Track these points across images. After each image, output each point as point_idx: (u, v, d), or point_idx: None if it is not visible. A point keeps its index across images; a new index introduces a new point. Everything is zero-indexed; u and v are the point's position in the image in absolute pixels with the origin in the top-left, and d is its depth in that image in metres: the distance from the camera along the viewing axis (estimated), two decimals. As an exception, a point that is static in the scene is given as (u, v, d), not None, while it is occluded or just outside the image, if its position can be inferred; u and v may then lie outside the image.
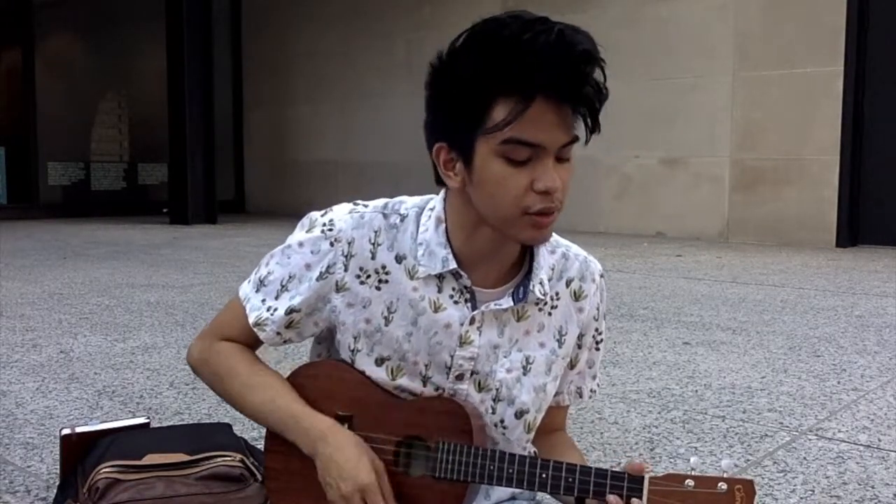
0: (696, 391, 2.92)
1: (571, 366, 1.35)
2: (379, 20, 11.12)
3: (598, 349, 1.38)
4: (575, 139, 1.12)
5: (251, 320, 1.28)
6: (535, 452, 1.34)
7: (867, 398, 2.83)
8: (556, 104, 1.08)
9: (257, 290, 1.29)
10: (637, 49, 8.71)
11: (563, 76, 1.06)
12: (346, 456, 1.18)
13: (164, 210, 10.96)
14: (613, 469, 1.13)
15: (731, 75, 8.42)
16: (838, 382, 3.03)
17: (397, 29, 10.88)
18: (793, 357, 3.42)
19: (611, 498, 1.11)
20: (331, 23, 11.66)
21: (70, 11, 12.24)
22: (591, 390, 1.40)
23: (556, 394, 1.35)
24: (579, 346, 1.34)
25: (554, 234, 1.31)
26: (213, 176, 10.80)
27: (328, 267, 1.24)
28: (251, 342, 1.31)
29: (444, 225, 1.22)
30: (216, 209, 10.84)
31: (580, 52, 1.06)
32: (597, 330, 1.35)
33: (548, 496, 1.22)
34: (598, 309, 1.34)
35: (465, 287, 1.23)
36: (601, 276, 1.35)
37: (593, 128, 1.12)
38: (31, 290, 5.03)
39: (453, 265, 1.21)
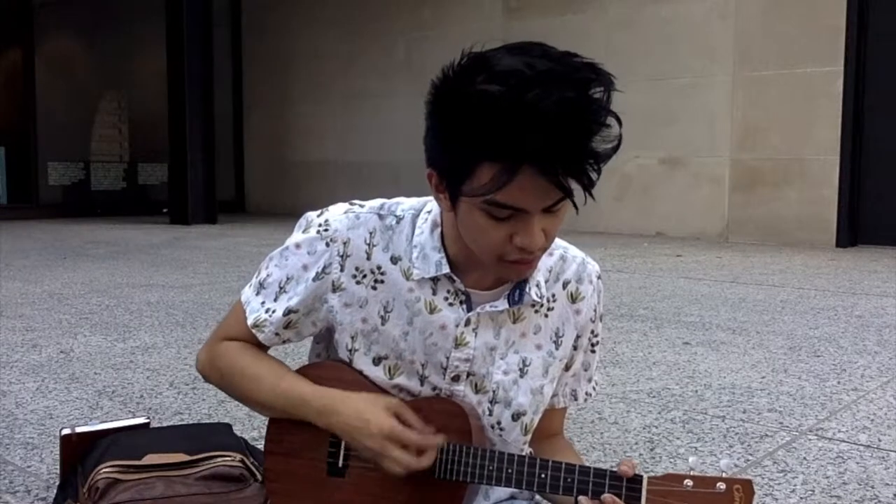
0: (696, 391, 2.92)
1: (566, 368, 1.34)
2: (379, 20, 11.12)
3: (593, 351, 1.37)
4: (564, 198, 1.06)
5: (249, 322, 1.28)
6: (531, 453, 1.34)
7: (867, 398, 2.83)
8: (543, 173, 1.02)
9: (258, 293, 1.29)
10: (637, 49, 8.71)
11: (550, 148, 1.00)
12: (358, 419, 1.18)
13: (164, 210, 10.96)
14: (612, 469, 1.13)
15: (731, 75, 8.42)
16: (838, 382, 3.03)
17: (397, 29, 10.88)
18: (793, 357, 3.42)
19: (605, 497, 1.11)
20: (331, 23, 11.66)
21: (70, 11, 12.24)
22: (586, 393, 1.40)
23: (552, 396, 1.34)
24: (575, 348, 1.33)
25: None
26: (213, 176, 10.80)
27: (324, 267, 1.24)
28: (255, 344, 1.32)
29: (439, 229, 1.22)
30: (216, 209, 10.84)
31: (573, 122, 1.00)
32: (593, 332, 1.35)
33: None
34: (594, 311, 1.33)
35: (460, 290, 1.23)
36: (598, 277, 1.34)
37: (586, 194, 1.06)
38: (31, 290, 5.03)
39: (446, 269, 1.21)
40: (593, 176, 1.05)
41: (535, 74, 1.00)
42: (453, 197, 1.12)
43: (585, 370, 1.38)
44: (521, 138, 1.00)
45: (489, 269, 1.18)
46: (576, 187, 1.06)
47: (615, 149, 1.04)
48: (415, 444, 1.16)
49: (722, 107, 8.49)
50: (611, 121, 1.03)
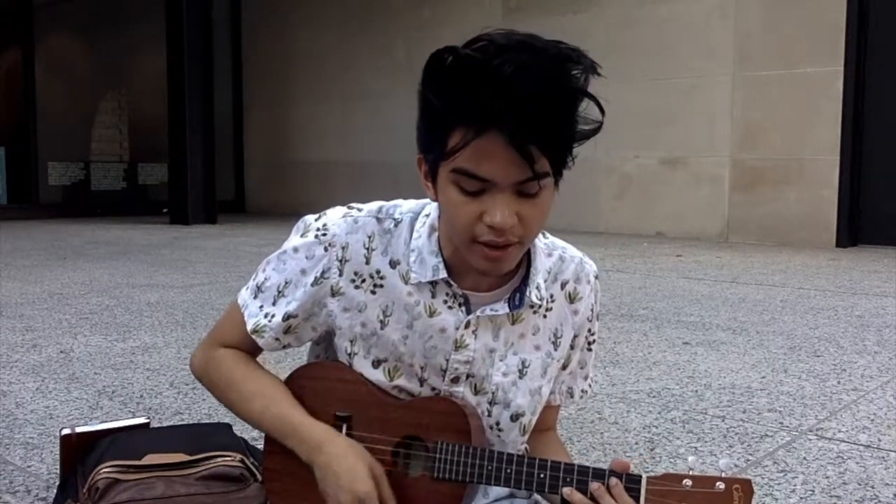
0: (696, 391, 2.92)
1: (563, 367, 1.35)
2: (379, 20, 11.12)
3: (590, 350, 1.38)
4: (535, 177, 1.05)
5: (249, 327, 1.28)
6: (526, 449, 1.35)
7: (867, 398, 2.83)
8: (510, 139, 1.02)
9: (255, 297, 1.29)
10: (637, 49, 8.71)
11: (515, 112, 1.00)
12: (343, 465, 1.17)
13: (164, 210, 10.96)
14: (611, 469, 1.13)
15: (731, 75, 8.42)
16: (838, 382, 3.03)
17: (397, 29, 10.89)
18: (793, 357, 3.42)
19: (611, 480, 1.12)
20: (331, 23, 11.66)
21: (70, 11, 12.25)
22: (582, 390, 1.40)
23: (549, 394, 1.34)
24: (571, 347, 1.33)
25: (550, 235, 1.31)
26: (213, 176, 10.80)
27: (323, 272, 1.24)
28: (251, 349, 1.31)
29: (437, 233, 1.22)
30: (216, 209, 10.84)
31: (540, 89, 1.00)
32: (589, 331, 1.35)
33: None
34: (591, 310, 1.34)
35: (458, 293, 1.22)
36: (596, 277, 1.35)
37: (558, 169, 1.07)
38: (31, 290, 5.03)
39: (444, 274, 1.20)
40: (564, 157, 1.05)
41: (511, 43, 1.02)
42: (433, 173, 1.12)
43: (581, 368, 1.38)
44: (486, 100, 1.01)
45: (465, 256, 1.15)
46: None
47: (592, 132, 1.05)
48: None
49: (722, 107, 8.49)
50: (590, 105, 1.04)
